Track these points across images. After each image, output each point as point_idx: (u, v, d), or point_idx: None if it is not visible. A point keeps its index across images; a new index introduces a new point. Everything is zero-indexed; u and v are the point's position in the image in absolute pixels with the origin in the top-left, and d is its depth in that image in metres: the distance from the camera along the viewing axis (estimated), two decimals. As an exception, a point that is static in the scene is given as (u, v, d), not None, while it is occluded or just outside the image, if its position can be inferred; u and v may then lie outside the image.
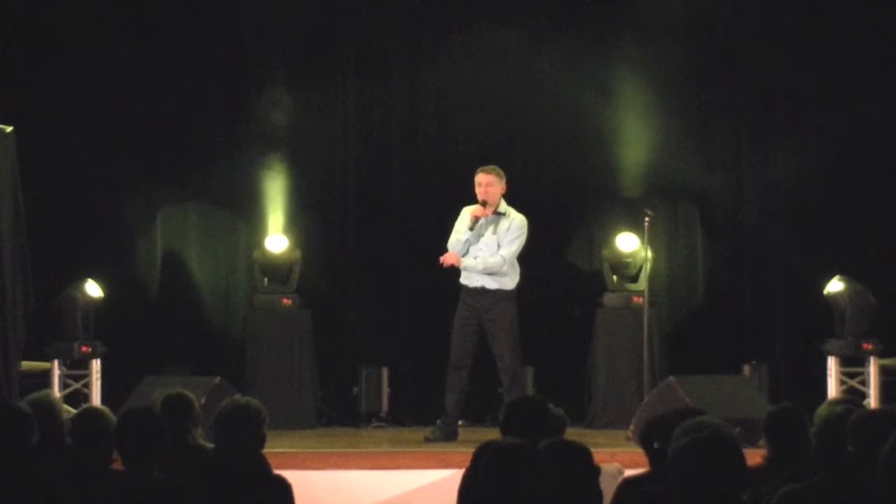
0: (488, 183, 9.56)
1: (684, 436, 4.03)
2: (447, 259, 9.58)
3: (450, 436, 9.58)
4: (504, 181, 9.63)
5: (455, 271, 9.74)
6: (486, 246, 9.57)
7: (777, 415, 5.44)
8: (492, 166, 9.66)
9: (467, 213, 9.65)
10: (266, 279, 11.08)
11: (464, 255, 9.60)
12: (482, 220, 9.56)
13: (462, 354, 9.57)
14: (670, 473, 3.87)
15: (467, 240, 9.57)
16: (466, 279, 9.65)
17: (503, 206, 9.64)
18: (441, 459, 8.47)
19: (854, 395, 9.11)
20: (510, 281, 9.61)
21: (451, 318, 9.77)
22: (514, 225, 9.61)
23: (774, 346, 11.19)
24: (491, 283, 9.57)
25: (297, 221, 11.29)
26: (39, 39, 10.97)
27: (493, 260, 9.56)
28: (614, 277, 10.98)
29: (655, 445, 5.03)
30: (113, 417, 5.46)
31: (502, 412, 5.64)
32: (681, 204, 11.44)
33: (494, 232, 9.59)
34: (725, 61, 11.45)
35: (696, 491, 3.80)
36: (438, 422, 9.70)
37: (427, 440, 9.61)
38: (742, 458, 3.86)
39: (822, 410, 5.14)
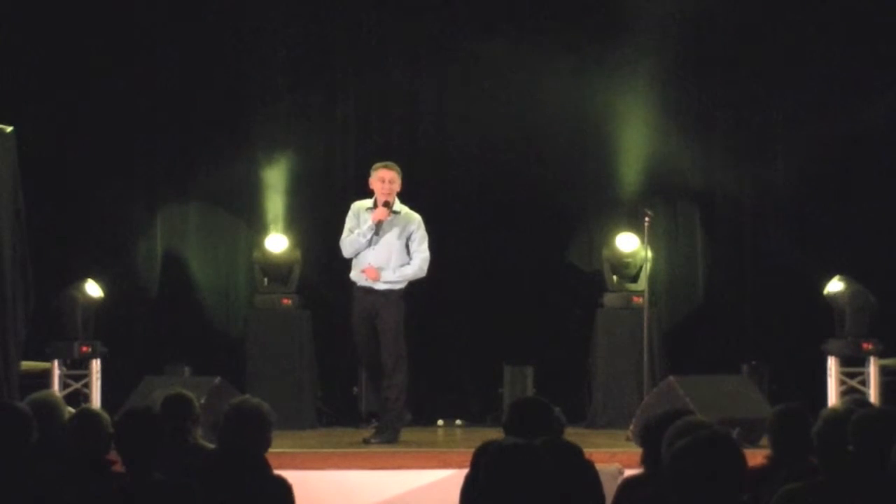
0: (391, 179, 9.34)
1: (680, 436, 4.03)
2: (369, 274, 9.32)
3: (383, 441, 9.40)
4: (401, 177, 9.44)
5: (458, 269, 9.70)
6: (382, 246, 9.35)
7: (781, 414, 5.43)
8: (391, 162, 9.46)
9: (361, 209, 9.41)
10: (266, 279, 11.08)
11: (358, 256, 9.40)
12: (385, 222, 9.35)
13: (363, 353, 9.48)
14: (669, 474, 3.87)
15: (368, 240, 9.34)
16: (356, 278, 9.45)
17: (398, 205, 9.43)
18: (441, 459, 8.47)
19: (862, 396, 9.14)
20: (400, 282, 9.44)
21: (451, 317, 9.77)
22: (419, 229, 9.40)
23: (774, 346, 11.18)
24: (378, 285, 9.39)
25: (297, 221, 11.29)
26: (40, 40, 10.97)
27: (413, 270, 9.35)
28: (614, 277, 10.97)
29: (654, 446, 5.02)
30: (107, 417, 5.46)
31: (505, 412, 5.63)
32: (681, 204, 11.44)
33: (392, 233, 9.35)
34: (725, 61, 11.46)
35: (695, 491, 3.79)
36: (442, 422, 9.62)
37: (366, 441, 9.43)
38: (742, 459, 3.85)
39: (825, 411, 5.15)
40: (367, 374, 9.62)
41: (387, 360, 9.31)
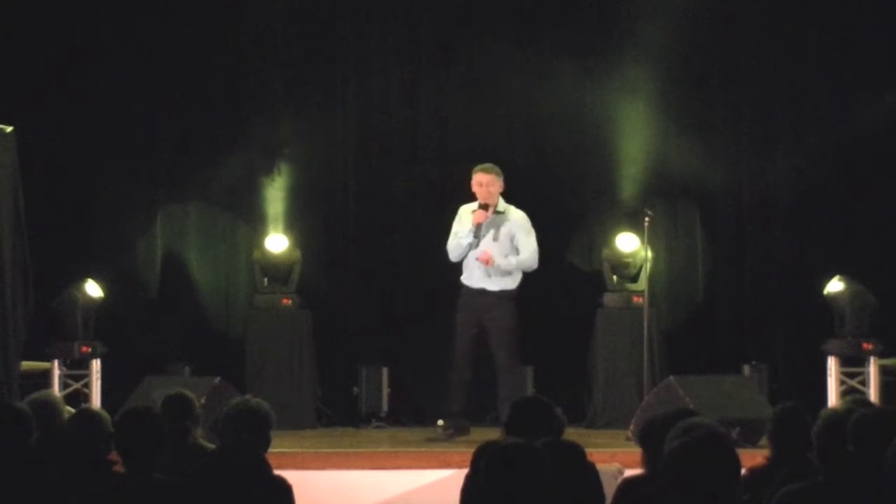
0: (489, 183, 9.45)
1: (679, 437, 4.04)
2: (483, 258, 9.42)
3: (455, 434, 9.51)
4: (502, 179, 9.53)
5: (458, 270, 9.72)
6: (488, 247, 9.46)
7: (780, 414, 5.44)
8: (490, 164, 9.57)
9: (466, 212, 9.56)
10: (266, 279, 11.08)
11: (464, 259, 9.54)
12: (484, 224, 9.51)
13: (463, 354, 9.54)
14: (667, 474, 3.87)
15: (469, 244, 9.50)
16: (468, 279, 9.58)
17: (502, 205, 9.55)
18: (441, 459, 8.47)
19: (862, 396, 9.14)
20: (512, 281, 9.56)
21: (451, 317, 9.77)
22: (522, 224, 9.53)
23: (774, 346, 11.18)
24: (492, 286, 9.51)
25: (297, 221, 11.29)
26: (40, 40, 10.97)
27: (523, 257, 9.45)
28: (614, 277, 10.97)
29: (655, 446, 5.02)
30: (107, 417, 5.47)
31: (507, 411, 5.63)
32: (681, 204, 11.44)
33: (497, 234, 9.48)
34: (725, 62, 11.45)
35: (691, 491, 3.80)
36: (443, 422, 9.65)
37: (432, 440, 9.57)
38: (737, 459, 3.86)
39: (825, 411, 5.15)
40: (458, 376, 9.54)
41: (504, 358, 9.42)
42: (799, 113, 11.29)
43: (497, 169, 9.55)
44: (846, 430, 4.63)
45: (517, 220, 9.54)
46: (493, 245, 9.48)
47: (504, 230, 9.50)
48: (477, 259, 9.45)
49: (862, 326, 10.29)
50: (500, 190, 9.54)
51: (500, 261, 9.45)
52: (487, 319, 9.49)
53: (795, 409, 5.43)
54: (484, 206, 9.44)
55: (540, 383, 10.83)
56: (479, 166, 9.57)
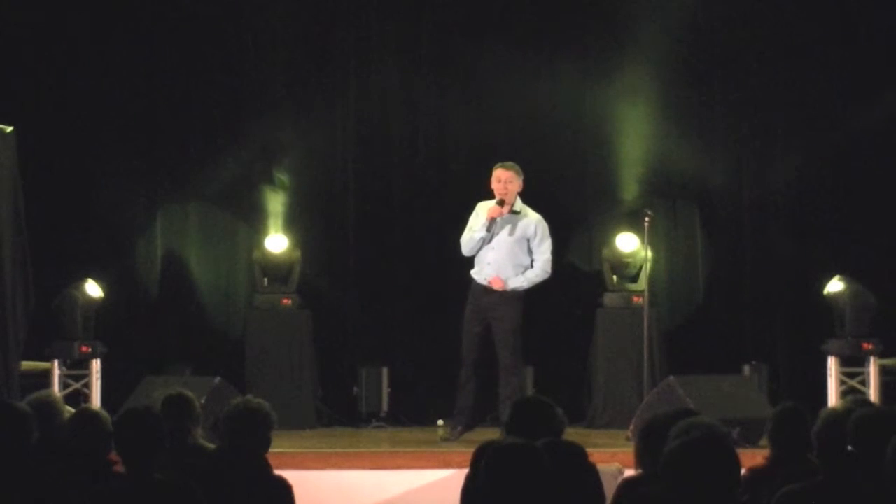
0: (507, 179, 9.43)
1: (679, 437, 4.04)
2: (495, 283, 9.45)
3: (464, 431, 9.50)
4: (521, 178, 9.51)
5: (459, 270, 9.73)
6: (501, 245, 9.47)
7: (780, 414, 5.44)
8: (510, 163, 9.55)
9: (483, 208, 9.53)
10: (266, 279, 11.08)
11: (476, 254, 9.51)
12: (498, 220, 9.49)
13: (468, 353, 9.54)
14: (667, 474, 3.87)
15: (482, 238, 9.49)
16: (478, 275, 9.55)
17: (519, 205, 9.53)
18: (441, 459, 8.47)
19: (862, 396, 9.14)
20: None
21: (452, 318, 9.79)
22: (539, 229, 9.51)
23: (774, 346, 11.18)
24: None
25: (297, 221, 11.29)
26: (40, 40, 10.97)
27: (536, 273, 9.48)
28: (614, 277, 10.97)
29: (655, 445, 5.02)
30: (107, 417, 5.47)
31: (507, 411, 5.63)
32: (681, 204, 11.44)
33: (511, 232, 9.47)
34: (725, 62, 11.45)
35: (690, 491, 3.80)
36: (443, 422, 9.65)
37: (444, 440, 9.58)
38: (737, 459, 3.86)
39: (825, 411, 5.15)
40: (465, 373, 9.53)
41: (507, 358, 9.41)
42: (799, 113, 11.29)
43: (517, 168, 9.53)
44: (846, 430, 4.64)
45: (534, 222, 9.52)
46: (507, 240, 9.47)
47: (519, 229, 9.49)
48: (489, 282, 9.43)
49: (862, 326, 10.29)
50: (519, 189, 9.50)
51: (512, 283, 9.45)
52: (492, 318, 9.48)
53: (795, 409, 5.44)
54: (500, 202, 9.42)
55: (540, 383, 10.82)
56: (501, 163, 9.56)
